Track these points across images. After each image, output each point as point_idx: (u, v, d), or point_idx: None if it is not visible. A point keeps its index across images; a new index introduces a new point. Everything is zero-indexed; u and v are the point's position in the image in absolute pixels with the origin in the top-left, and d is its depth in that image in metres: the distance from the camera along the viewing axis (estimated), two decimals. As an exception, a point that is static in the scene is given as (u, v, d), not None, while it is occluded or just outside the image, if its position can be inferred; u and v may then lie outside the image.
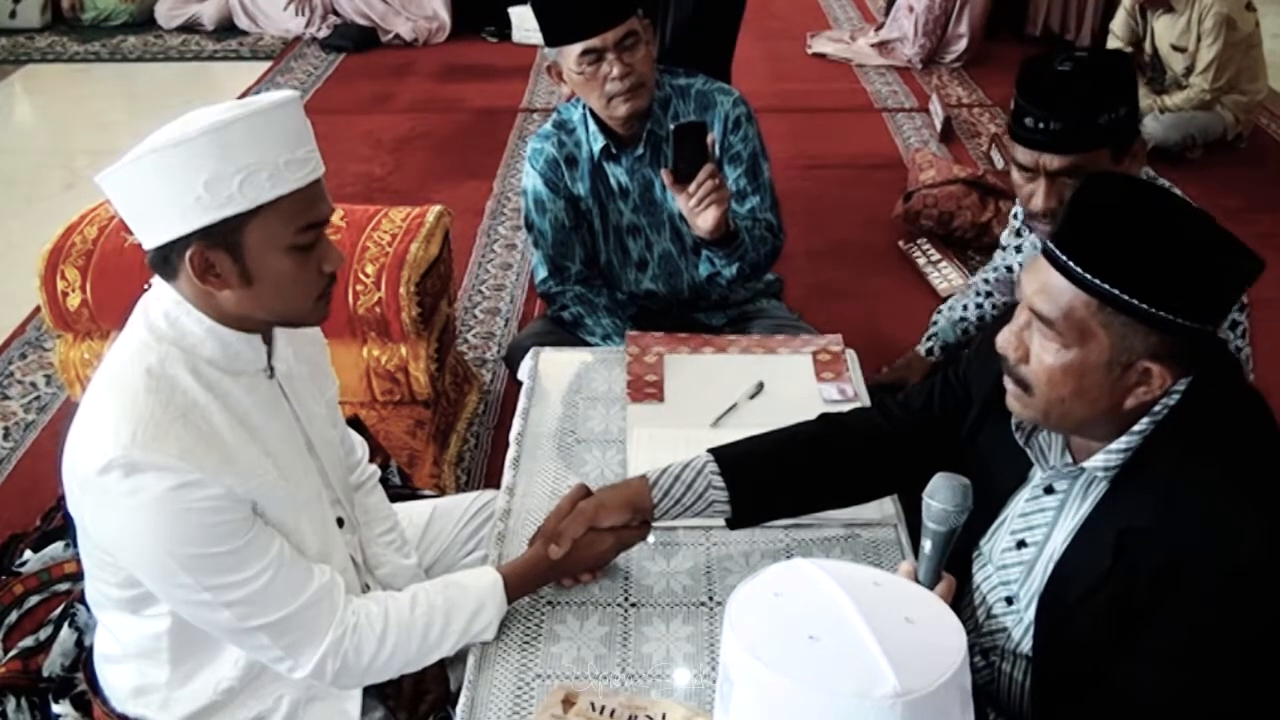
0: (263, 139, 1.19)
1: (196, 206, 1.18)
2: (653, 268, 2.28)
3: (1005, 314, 1.25)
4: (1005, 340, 1.24)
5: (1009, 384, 1.27)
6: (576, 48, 2.00)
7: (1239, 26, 4.09)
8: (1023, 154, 1.73)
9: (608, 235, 2.25)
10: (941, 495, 1.22)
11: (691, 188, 1.90)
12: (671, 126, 1.89)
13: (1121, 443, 1.22)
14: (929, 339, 2.45)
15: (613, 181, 2.20)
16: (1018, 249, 2.30)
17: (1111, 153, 1.72)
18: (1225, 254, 1.14)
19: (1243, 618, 1.14)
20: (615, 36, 1.98)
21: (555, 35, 2.04)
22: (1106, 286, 1.12)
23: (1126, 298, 1.12)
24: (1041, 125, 1.68)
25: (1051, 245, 1.17)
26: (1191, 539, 1.15)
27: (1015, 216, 2.26)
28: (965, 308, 2.41)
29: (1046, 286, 1.17)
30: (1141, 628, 1.19)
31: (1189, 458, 1.19)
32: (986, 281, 2.40)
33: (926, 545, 1.24)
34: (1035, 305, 1.18)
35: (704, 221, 1.92)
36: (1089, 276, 1.13)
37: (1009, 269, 2.36)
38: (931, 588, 1.24)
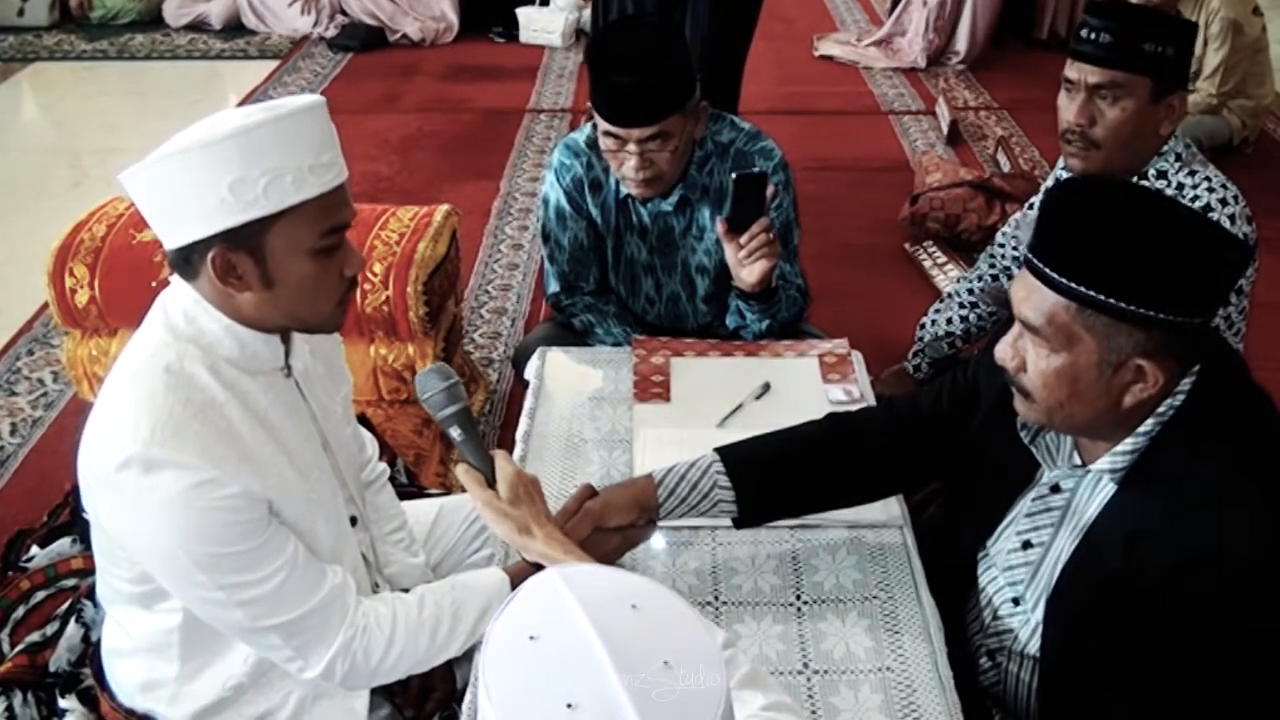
0: (288, 143, 1.19)
1: (220, 208, 1.18)
2: (659, 307, 2.26)
3: (1006, 321, 1.26)
4: (1002, 351, 1.27)
5: (1014, 390, 1.28)
6: (604, 124, 1.93)
7: (1246, 31, 4.09)
8: (1070, 69, 1.86)
9: (618, 266, 2.22)
10: (424, 385, 1.39)
11: (744, 239, 1.87)
12: (733, 176, 1.83)
13: (1128, 444, 1.23)
14: (915, 355, 2.46)
15: (633, 217, 2.15)
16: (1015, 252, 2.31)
17: (1152, 87, 1.82)
18: (1202, 246, 1.14)
19: (1251, 620, 1.15)
20: (640, 134, 1.89)
21: (594, 101, 1.94)
22: (1080, 288, 1.14)
23: (1101, 298, 1.13)
24: (1093, 36, 1.81)
25: (1029, 254, 1.19)
26: (1199, 542, 1.15)
27: (1031, 206, 2.27)
28: (950, 321, 2.42)
29: (1030, 295, 1.19)
30: (1150, 629, 1.20)
31: (1196, 459, 1.19)
32: (971, 292, 2.41)
33: (454, 433, 1.39)
34: (1022, 314, 1.21)
35: (750, 275, 1.90)
36: (1063, 280, 1.15)
37: (1001, 273, 2.36)
38: (487, 466, 1.39)
